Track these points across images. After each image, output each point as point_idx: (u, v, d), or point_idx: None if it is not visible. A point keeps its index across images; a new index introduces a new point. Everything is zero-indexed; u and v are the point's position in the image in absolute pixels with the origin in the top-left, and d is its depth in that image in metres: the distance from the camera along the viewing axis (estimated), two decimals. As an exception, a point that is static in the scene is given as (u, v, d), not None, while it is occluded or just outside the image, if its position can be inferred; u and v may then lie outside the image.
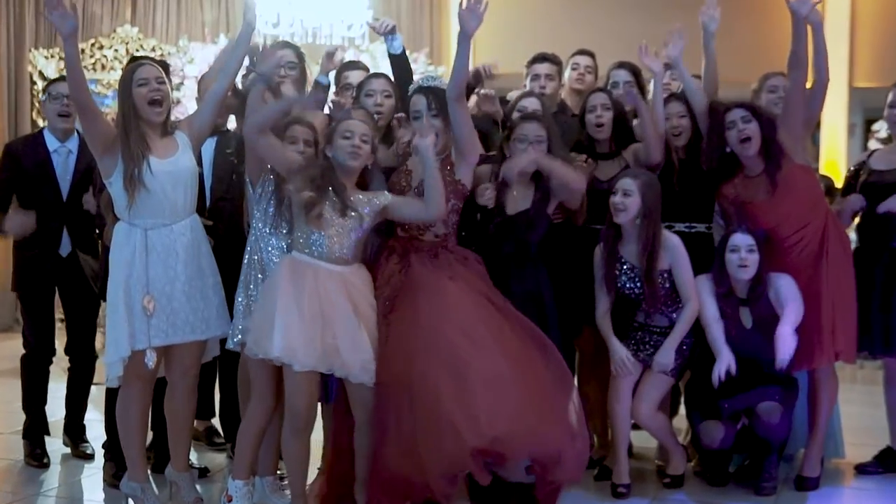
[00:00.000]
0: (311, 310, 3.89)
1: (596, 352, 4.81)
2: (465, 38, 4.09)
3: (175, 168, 4.13)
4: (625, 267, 4.52)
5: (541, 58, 5.25)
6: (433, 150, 4.05)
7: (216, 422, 5.34)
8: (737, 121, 4.57)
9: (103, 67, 9.51)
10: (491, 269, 4.32)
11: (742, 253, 4.45)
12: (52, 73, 9.22)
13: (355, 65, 5.19)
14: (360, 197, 4.09)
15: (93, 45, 9.50)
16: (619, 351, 4.49)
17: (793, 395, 4.51)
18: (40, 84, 9.23)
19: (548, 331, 4.21)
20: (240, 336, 4.16)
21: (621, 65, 5.11)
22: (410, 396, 3.88)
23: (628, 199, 4.41)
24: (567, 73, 5.38)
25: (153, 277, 4.07)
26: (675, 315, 4.49)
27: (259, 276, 4.19)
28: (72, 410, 5.22)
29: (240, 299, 4.21)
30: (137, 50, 9.33)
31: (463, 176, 4.28)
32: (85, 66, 9.15)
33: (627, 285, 4.51)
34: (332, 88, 4.85)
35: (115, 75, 9.17)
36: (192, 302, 4.13)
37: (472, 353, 3.90)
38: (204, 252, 4.22)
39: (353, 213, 4.02)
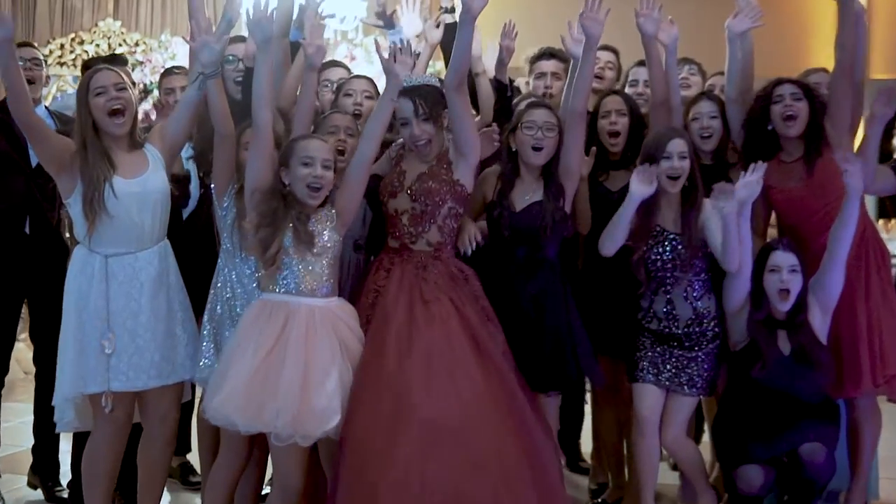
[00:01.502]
0: (275, 360, 3.39)
1: (613, 383, 4.36)
2: (468, 19, 3.67)
3: (143, 189, 3.68)
4: (656, 231, 4.07)
5: (547, 54, 4.79)
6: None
7: (193, 457, 4.83)
8: (785, 95, 4.20)
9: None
10: (502, 280, 3.91)
11: (783, 274, 3.96)
12: None
13: (335, 63, 4.80)
14: (323, 214, 3.61)
15: (73, 40, 8.99)
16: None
17: (835, 429, 4.06)
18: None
19: (572, 334, 3.87)
20: (205, 382, 3.69)
21: (642, 62, 4.62)
22: (344, 451, 3.46)
23: (685, 163, 4.02)
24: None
25: (114, 311, 3.62)
26: (699, 304, 4.03)
27: (224, 309, 3.75)
28: (42, 441, 4.60)
29: (205, 332, 3.77)
30: (120, 45, 8.88)
31: (462, 176, 3.83)
32: (64, 63, 8.73)
33: (655, 251, 4.05)
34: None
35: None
36: (157, 339, 3.68)
37: (421, 403, 3.47)
38: (173, 283, 3.76)
39: (319, 242, 3.55)
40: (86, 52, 8.99)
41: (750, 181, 3.93)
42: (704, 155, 4.34)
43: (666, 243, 4.03)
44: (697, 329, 4.02)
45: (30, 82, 4.33)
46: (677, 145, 4.01)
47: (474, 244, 3.86)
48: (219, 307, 3.75)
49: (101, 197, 3.57)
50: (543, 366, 3.86)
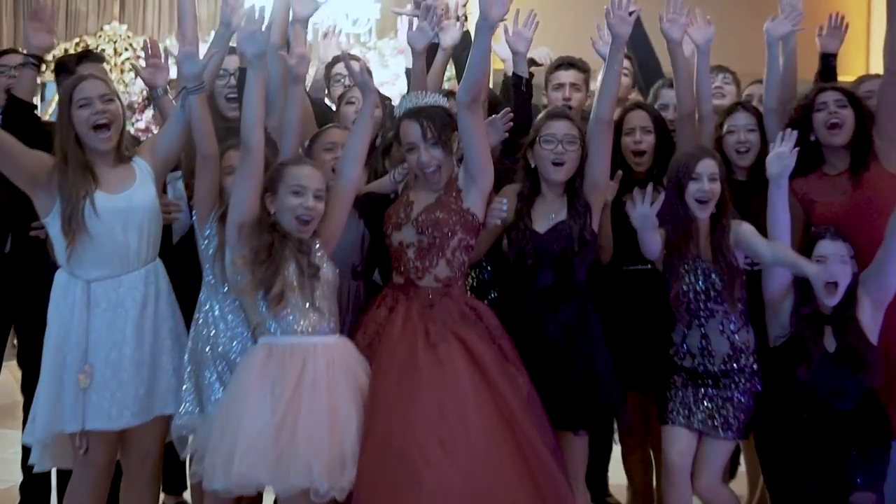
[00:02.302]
0: (299, 408, 3.07)
1: (642, 420, 4.03)
2: (486, 28, 3.33)
3: (128, 205, 3.37)
4: (690, 262, 3.70)
5: (566, 63, 4.45)
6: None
7: (188, 496, 4.50)
8: (829, 103, 3.90)
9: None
10: (525, 310, 3.59)
11: (831, 265, 3.59)
12: None
13: (350, 57, 4.37)
14: (313, 245, 3.30)
15: (77, 44, 8.82)
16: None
17: (883, 453, 3.63)
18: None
19: (602, 368, 3.55)
20: (184, 431, 3.39)
21: (672, 84, 4.27)
22: None
23: (716, 186, 3.66)
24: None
25: (95, 342, 3.30)
26: (737, 338, 3.65)
27: (205, 348, 3.40)
28: (31, 478, 4.23)
29: (185, 373, 3.43)
30: (126, 49, 8.70)
31: (473, 204, 3.50)
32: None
33: (686, 280, 3.68)
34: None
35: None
36: (142, 373, 3.35)
37: (427, 472, 3.12)
38: (162, 310, 3.44)
39: (322, 271, 3.25)
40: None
41: (782, 152, 3.60)
42: (740, 171, 4.02)
43: (699, 272, 3.67)
44: (735, 366, 3.65)
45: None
46: (707, 166, 3.66)
47: (503, 214, 3.54)
48: (200, 345, 3.42)
49: (81, 214, 3.27)
50: (571, 403, 3.54)
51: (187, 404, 3.37)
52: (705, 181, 3.63)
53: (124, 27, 8.95)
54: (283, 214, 3.22)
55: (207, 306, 3.43)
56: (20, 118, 3.84)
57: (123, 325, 3.33)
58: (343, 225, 3.41)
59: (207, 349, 3.38)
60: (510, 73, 4.51)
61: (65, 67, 4.27)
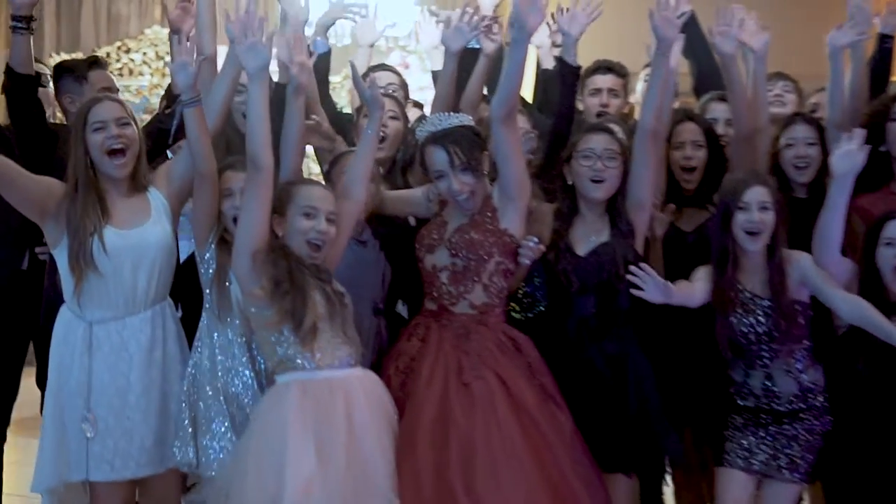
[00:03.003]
0: (359, 448, 2.89)
1: (697, 460, 3.73)
2: (522, 39, 3.11)
3: (140, 241, 3.16)
4: (741, 298, 3.36)
5: (603, 67, 4.20)
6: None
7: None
8: None
9: (131, 73, 8.71)
10: (568, 341, 3.33)
11: None
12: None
13: (383, 67, 4.26)
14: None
15: (119, 48, 8.73)
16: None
17: None
18: (62, 91, 8.46)
19: (648, 405, 3.29)
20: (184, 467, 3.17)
21: (722, 97, 3.97)
22: None
23: (768, 216, 3.31)
24: (640, 86, 4.32)
25: (97, 388, 3.10)
26: (805, 377, 3.32)
27: (203, 381, 3.17)
28: None
29: (183, 413, 3.19)
30: (168, 53, 8.46)
31: (510, 224, 3.26)
32: (111, 72, 8.30)
33: (745, 322, 3.35)
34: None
35: (144, 81, 8.55)
36: (150, 421, 3.14)
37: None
38: (171, 353, 3.21)
39: (344, 294, 3.04)
40: (132, 60, 8.82)
41: (850, 150, 3.29)
42: (798, 188, 3.70)
43: (758, 312, 3.34)
44: (803, 405, 3.33)
45: None
46: (757, 194, 3.32)
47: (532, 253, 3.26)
48: (198, 375, 3.20)
49: (89, 251, 3.07)
50: (621, 444, 3.27)
51: (178, 444, 3.15)
52: (755, 211, 3.30)
53: (166, 31, 8.77)
54: (293, 238, 3.01)
55: (206, 336, 3.22)
56: (21, 95, 3.62)
57: (127, 370, 3.12)
58: (344, 248, 3.19)
59: (204, 383, 3.17)
60: (544, 65, 4.26)
61: (69, 71, 4.07)
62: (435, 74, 4.18)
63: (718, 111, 4.00)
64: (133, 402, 3.11)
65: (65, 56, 8.73)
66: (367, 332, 3.36)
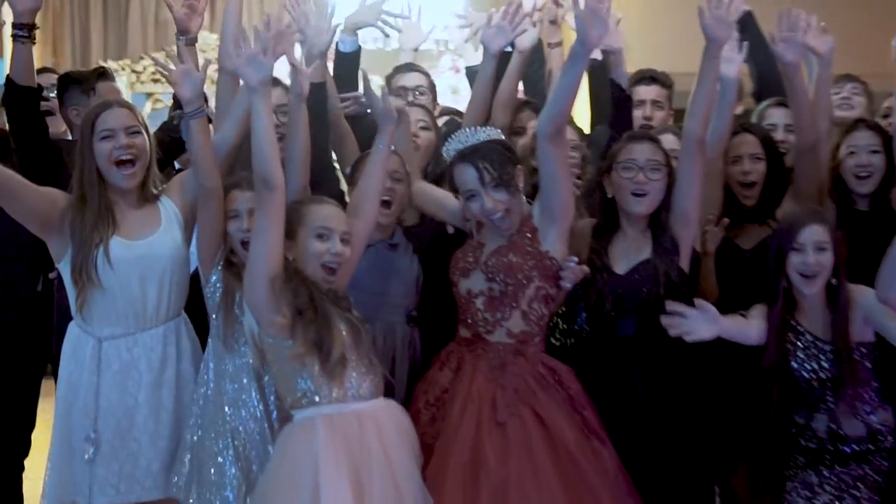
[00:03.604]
0: (398, 484, 2.73)
1: (752, 496, 3.46)
2: (582, 54, 2.90)
3: (148, 252, 3.01)
4: (802, 342, 3.12)
5: (647, 77, 4.01)
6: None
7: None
8: None
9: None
10: (606, 367, 3.11)
11: None
12: (122, 86, 8.45)
13: (411, 67, 4.04)
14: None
15: (167, 54, 8.51)
16: None
17: None
18: (110, 97, 8.44)
19: (698, 437, 3.07)
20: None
21: (781, 103, 3.73)
22: None
23: (825, 257, 3.06)
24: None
25: (104, 407, 2.95)
26: (874, 419, 3.08)
27: (209, 412, 3.00)
28: None
29: (190, 439, 3.02)
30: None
31: (552, 246, 3.05)
32: (158, 80, 8.33)
33: (808, 367, 3.10)
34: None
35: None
36: (157, 445, 2.98)
37: None
38: (185, 374, 3.06)
39: (363, 322, 2.87)
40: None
41: None
42: (860, 200, 3.48)
43: (821, 357, 3.09)
44: (871, 447, 3.08)
45: (46, 114, 3.75)
46: (813, 234, 3.07)
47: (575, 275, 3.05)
48: (206, 406, 3.03)
49: (93, 263, 2.92)
50: (668, 479, 3.05)
51: (180, 479, 2.97)
52: (810, 252, 3.05)
53: (214, 36, 8.63)
54: (306, 262, 2.82)
55: (214, 359, 3.05)
56: (22, 108, 3.46)
57: (136, 390, 2.98)
58: (353, 269, 3.00)
59: (213, 411, 3.00)
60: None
61: (75, 83, 3.90)
62: (470, 73, 3.99)
63: (777, 116, 3.78)
64: (141, 424, 2.97)
65: (112, 62, 8.74)
66: (401, 343, 3.22)
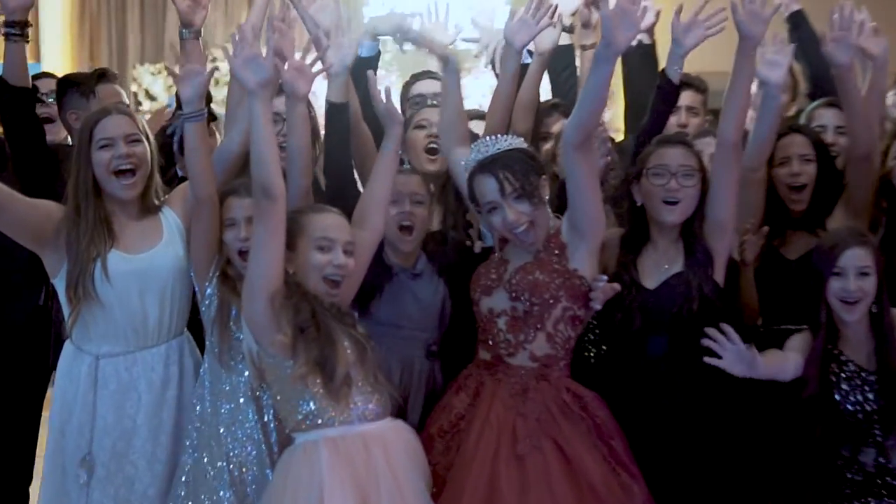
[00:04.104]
0: None
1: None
2: (609, 57, 2.67)
3: (148, 266, 2.87)
4: (846, 372, 2.90)
5: (681, 82, 3.65)
6: None
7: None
8: None
9: (217, 83, 8.45)
10: (634, 388, 2.92)
11: None
12: (159, 90, 8.46)
13: (428, 74, 3.89)
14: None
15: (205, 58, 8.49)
16: None
17: None
18: (146, 103, 8.50)
19: (736, 468, 2.89)
20: None
21: (832, 103, 3.50)
22: None
23: (867, 282, 2.85)
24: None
25: (100, 429, 2.82)
26: None
27: (210, 444, 2.84)
28: None
29: (186, 462, 2.87)
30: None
31: (580, 264, 2.85)
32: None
33: (852, 399, 2.89)
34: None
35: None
36: (154, 469, 2.85)
37: None
38: (186, 393, 2.92)
39: (368, 338, 2.70)
40: (218, 69, 8.46)
41: None
42: None
43: (866, 388, 2.87)
44: None
45: (46, 121, 3.63)
46: (854, 259, 2.85)
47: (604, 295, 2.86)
48: (203, 428, 2.88)
49: (90, 278, 2.79)
50: None
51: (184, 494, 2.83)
52: (851, 277, 2.84)
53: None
54: (307, 275, 2.66)
55: (210, 377, 2.90)
56: (16, 110, 3.32)
57: (135, 411, 2.84)
58: (360, 282, 2.84)
59: (210, 432, 2.85)
60: None
61: (75, 86, 3.76)
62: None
63: (827, 117, 3.54)
64: (139, 447, 2.83)
65: (149, 66, 8.69)
66: (418, 377, 3.05)
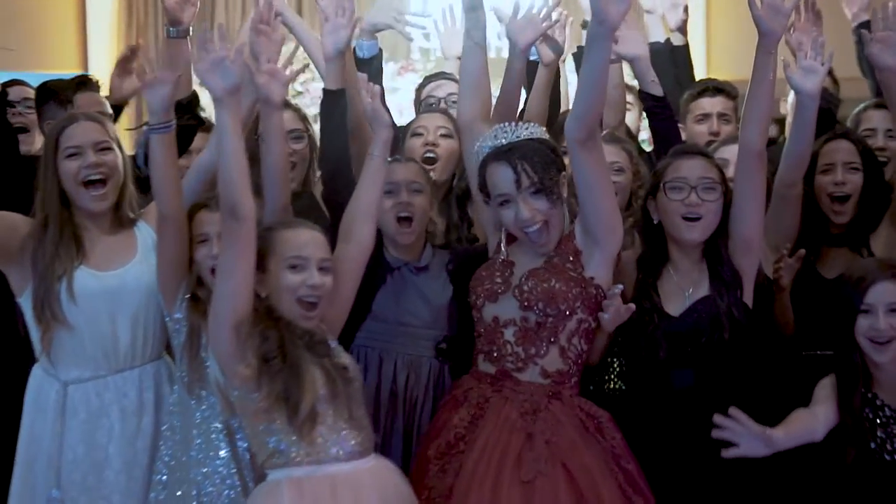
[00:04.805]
0: None
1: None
2: (602, 35, 2.44)
3: (120, 284, 2.70)
4: (882, 417, 2.64)
5: (711, 88, 3.66)
6: None
7: None
8: None
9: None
10: (657, 423, 2.70)
11: None
12: (205, 100, 8.26)
13: (443, 76, 3.74)
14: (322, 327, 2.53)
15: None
16: None
17: None
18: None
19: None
20: None
21: (882, 104, 3.27)
22: None
23: None
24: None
25: (69, 460, 2.64)
26: None
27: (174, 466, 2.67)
28: None
29: (156, 500, 2.69)
30: (303, 72, 8.12)
31: (597, 272, 2.62)
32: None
33: (890, 447, 2.62)
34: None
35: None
36: (129, 501, 2.66)
37: None
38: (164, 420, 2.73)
39: (350, 371, 2.48)
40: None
41: None
42: None
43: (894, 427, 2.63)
44: None
45: (22, 130, 3.50)
46: (884, 294, 2.59)
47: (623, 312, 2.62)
48: (169, 459, 2.70)
49: (56, 297, 2.63)
50: None
51: None
52: (881, 315, 2.58)
53: (292, 45, 8.46)
54: (280, 298, 2.45)
55: (179, 407, 2.72)
56: None
57: (106, 440, 2.66)
58: (352, 301, 2.63)
59: (179, 465, 2.67)
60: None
61: (53, 95, 3.56)
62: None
63: (877, 120, 3.36)
64: (111, 480, 2.65)
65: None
66: (427, 380, 2.86)
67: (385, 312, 2.85)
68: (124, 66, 3.45)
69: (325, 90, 3.00)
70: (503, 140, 2.63)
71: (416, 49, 6.93)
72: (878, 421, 2.60)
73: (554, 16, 3.00)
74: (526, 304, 2.60)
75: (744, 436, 2.46)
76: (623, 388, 2.91)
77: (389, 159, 2.83)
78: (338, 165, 2.99)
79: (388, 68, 8.02)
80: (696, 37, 8.15)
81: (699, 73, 4.13)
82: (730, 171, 2.88)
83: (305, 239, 2.49)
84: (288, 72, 2.68)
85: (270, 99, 2.65)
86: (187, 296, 2.68)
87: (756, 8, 2.61)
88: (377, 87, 2.75)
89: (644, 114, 3.60)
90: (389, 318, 2.85)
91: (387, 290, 2.86)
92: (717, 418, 2.46)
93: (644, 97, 3.31)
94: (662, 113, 3.30)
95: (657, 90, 3.25)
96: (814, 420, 2.60)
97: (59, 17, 7.64)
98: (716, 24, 7.85)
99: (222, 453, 2.63)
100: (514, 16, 2.98)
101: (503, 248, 2.70)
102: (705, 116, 3.61)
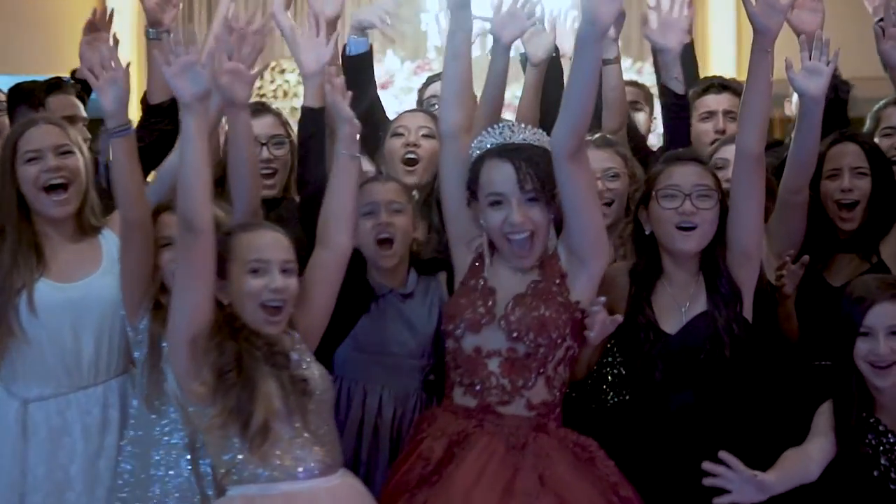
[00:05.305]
0: None
1: None
2: (593, 37, 2.32)
3: (83, 296, 2.61)
4: (885, 444, 2.49)
5: (717, 85, 3.54)
6: None
7: None
8: None
9: (285, 94, 8.38)
10: (652, 449, 2.57)
11: None
12: None
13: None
14: (287, 340, 2.42)
15: (273, 68, 8.34)
16: None
17: None
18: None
19: None
20: None
21: None
22: None
23: None
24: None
25: (31, 483, 2.56)
26: None
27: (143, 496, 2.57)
28: None
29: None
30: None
31: (582, 295, 2.49)
32: (263, 95, 8.03)
33: (894, 476, 2.48)
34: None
35: (300, 103, 8.21)
36: None
37: None
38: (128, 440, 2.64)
39: (310, 384, 2.36)
40: (287, 81, 8.50)
41: None
42: None
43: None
44: None
45: None
46: (884, 317, 2.47)
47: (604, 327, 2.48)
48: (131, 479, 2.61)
49: (14, 312, 2.55)
50: None
51: None
52: (881, 338, 2.45)
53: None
54: (243, 304, 2.35)
55: (139, 422, 2.63)
56: None
57: (68, 460, 2.57)
58: (331, 309, 2.52)
59: (139, 482, 2.59)
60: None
61: (25, 97, 3.45)
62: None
63: None
64: (72, 502, 2.56)
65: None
66: (411, 415, 2.73)
67: (369, 342, 2.74)
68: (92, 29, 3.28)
69: (303, 107, 2.87)
70: (510, 138, 2.50)
71: (432, 48, 6.85)
72: (882, 448, 2.46)
73: (538, 12, 2.86)
74: (515, 335, 2.45)
75: (735, 481, 2.31)
76: (625, 397, 2.79)
77: (370, 178, 2.77)
78: (316, 190, 2.80)
79: (405, 67, 8.02)
80: (727, 36, 8.07)
81: (728, 73, 3.99)
82: (730, 172, 2.74)
83: (266, 241, 2.39)
84: (253, 71, 2.55)
85: (234, 98, 2.53)
86: (150, 305, 2.59)
87: (750, 5, 2.50)
88: (340, 79, 2.60)
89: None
90: (373, 348, 2.75)
91: (371, 319, 2.74)
92: (707, 465, 2.32)
93: (664, 92, 3.15)
94: (679, 113, 3.15)
95: (679, 88, 3.09)
96: (807, 460, 2.46)
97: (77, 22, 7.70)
98: (746, 23, 7.60)
99: (182, 466, 2.54)
100: (497, 11, 2.85)
101: (486, 270, 2.54)
102: (710, 114, 3.50)
